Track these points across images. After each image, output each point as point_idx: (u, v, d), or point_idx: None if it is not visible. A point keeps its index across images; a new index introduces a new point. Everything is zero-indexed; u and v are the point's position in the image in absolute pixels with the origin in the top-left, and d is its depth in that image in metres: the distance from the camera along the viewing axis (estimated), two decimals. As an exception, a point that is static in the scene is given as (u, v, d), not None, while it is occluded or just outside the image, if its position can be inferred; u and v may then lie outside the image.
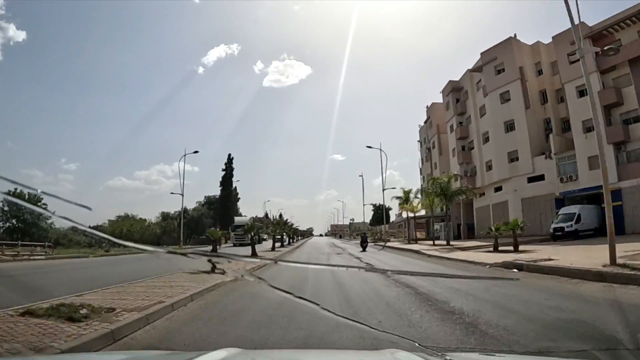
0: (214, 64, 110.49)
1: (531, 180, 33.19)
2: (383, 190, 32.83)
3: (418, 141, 58.66)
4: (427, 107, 51.35)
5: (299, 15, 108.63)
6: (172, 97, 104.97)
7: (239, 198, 58.22)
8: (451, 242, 26.69)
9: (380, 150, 34.36)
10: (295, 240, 50.90)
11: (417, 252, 21.41)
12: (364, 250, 24.95)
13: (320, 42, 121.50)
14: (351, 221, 59.16)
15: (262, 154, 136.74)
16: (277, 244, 31.07)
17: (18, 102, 74.89)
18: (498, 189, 36.45)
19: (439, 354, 1.67)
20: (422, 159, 56.46)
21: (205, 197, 55.34)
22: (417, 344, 2.84)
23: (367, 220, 58.26)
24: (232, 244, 33.13)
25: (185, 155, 36.58)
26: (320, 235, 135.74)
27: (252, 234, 17.61)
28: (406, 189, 34.04)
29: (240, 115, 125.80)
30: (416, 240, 32.29)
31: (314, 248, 30.44)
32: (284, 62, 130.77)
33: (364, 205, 48.58)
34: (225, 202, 51.03)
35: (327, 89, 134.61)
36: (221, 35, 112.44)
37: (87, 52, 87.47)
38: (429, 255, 18.91)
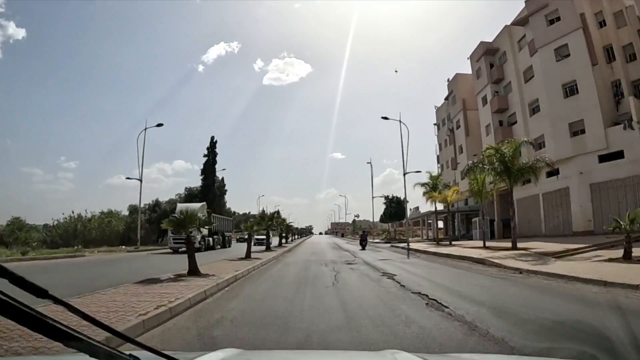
0: (214, 62, 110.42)
1: (604, 158, 24.68)
2: (404, 174, 24.57)
3: (434, 124, 50.19)
4: (448, 80, 42.86)
5: (299, 14, 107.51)
6: (172, 95, 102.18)
7: (226, 190, 49.77)
8: (488, 244, 18.33)
9: (400, 122, 25.97)
10: (289, 240, 42.44)
11: (481, 262, 13.01)
12: (363, 249, 23.93)
13: (320, 40, 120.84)
14: (356, 217, 50.98)
15: (262, 152, 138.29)
16: (260, 247, 22.62)
17: (18, 100, 72.65)
18: (552, 172, 27.93)
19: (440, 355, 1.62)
20: (439, 145, 47.97)
21: (185, 188, 46.84)
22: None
23: (377, 216, 49.87)
24: (169, 249, 21.69)
25: (145, 129, 28.29)
26: (320, 233, 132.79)
27: (192, 232, 9.11)
28: (433, 173, 25.70)
29: (240, 113, 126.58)
30: (451, 242, 23.80)
31: (311, 253, 21.98)
32: (284, 60, 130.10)
33: (372, 198, 40.52)
34: (207, 193, 42.50)
35: (328, 87, 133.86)
36: (221, 33, 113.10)
37: (87, 50, 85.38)
38: (520, 271, 10.48)
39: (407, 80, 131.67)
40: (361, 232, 31.34)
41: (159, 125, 28.54)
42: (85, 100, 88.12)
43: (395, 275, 10.20)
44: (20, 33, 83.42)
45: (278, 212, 35.64)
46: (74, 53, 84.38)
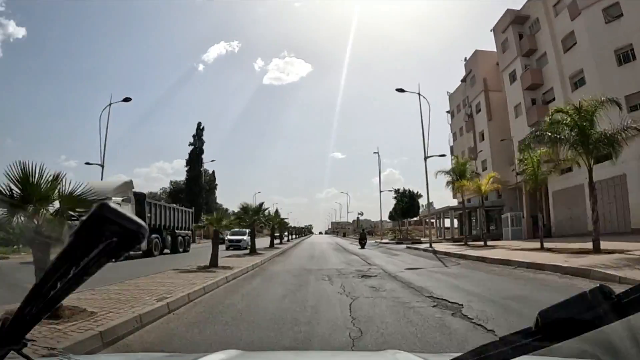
0: (214, 61, 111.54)
1: (674, 138, 19.82)
2: (425, 158, 19.82)
3: (447, 112, 45.42)
4: (465, 59, 38.01)
5: (300, 13, 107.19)
6: (172, 94, 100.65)
7: (217, 185, 44.81)
8: (545, 245, 13.50)
9: (419, 94, 21.24)
10: (286, 240, 37.62)
11: (583, 274, 8.25)
12: (362, 247, 23.72)
13: (321, 39, 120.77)
14: (359, 215, 46.21)
15: (262, 151, 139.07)
16: (239, 252, 17.79)
17: (18, 99, 72.48)
18: (602, 157, 23.06)
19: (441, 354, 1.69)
20: (454, 134, 43.17)
21: (171, 182, 42.13)
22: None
23: (384, 213, 45.12)
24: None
25: (110, 104, 23.54)
26: (320, 233, 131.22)
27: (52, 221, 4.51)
28: (461, 159, 20.94)
29: (240, 113, 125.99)
30: (486, 242, 18.95)
31: (310, 258, 17.27)
32: (284, 59, 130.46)
33: (380, 192, 35.63)
34: (192, 186, 37.55)
35: (328, 87, 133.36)
36: (222, 32, 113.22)
37: (87, 49, 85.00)
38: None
39: (409, 79, 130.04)
40: (361, 231, 31.66)
41: (126, 100, 23.70)
42: (85, 99, 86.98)
43: (461, 306, 5.37)
44: (20, 32, 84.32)
45: (277, 211, 30.84)
46: (74, 52, 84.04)
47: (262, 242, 26.27)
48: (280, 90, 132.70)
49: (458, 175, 20.19)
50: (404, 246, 24.43)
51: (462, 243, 20.75)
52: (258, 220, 16.93)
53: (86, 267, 0.48)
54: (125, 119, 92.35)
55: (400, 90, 21.13)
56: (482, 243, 21.44)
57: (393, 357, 1.44)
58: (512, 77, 29.68)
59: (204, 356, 1.31)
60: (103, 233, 0.45)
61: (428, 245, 20.07)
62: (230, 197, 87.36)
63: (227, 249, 19.68)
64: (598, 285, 0.53)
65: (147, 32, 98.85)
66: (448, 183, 20.89)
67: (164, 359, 1.76)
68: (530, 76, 27.37)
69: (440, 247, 19.48)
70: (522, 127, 28.31)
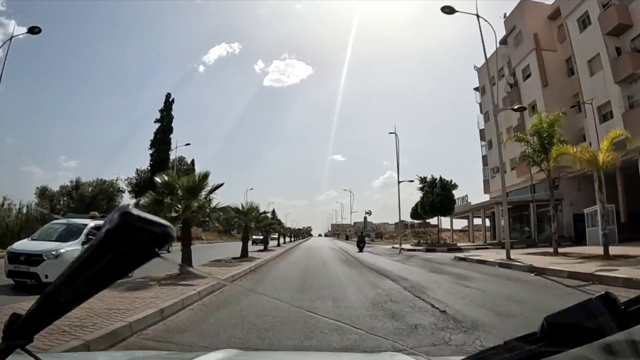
0: (215, 63, 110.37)
1: None
2: (495, 115, 11.91)
3: (475, 89, 37.72)
4: (504, 15, 30.14)
5: (301, 15, 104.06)
6: (173, 94, 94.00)
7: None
8: None
9: (477, 16, 13.63)
10: (276, 244, 29.82)
11: None
12: (360, 250, 23.67)
13: (321, 41, 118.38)
14: (367, 215, 38.45)
15: (261, 153, 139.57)
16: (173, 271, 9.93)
17: (18, 99, 69.38)
18: None
19: (439, 356, 1.49)
20: (485, 114, 35.35)
21: (137, 170, 34.04)
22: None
23: (386, 213, 37.20)
24: None
25: (11, 38, 16.40)
26: (320, 235, 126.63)
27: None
28: (544, 115, 13.10)
29: (240, 114, 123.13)
30: (606, 251, 11.00)
31: (299, 288, 9.23)
32: (284, 61, 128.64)
33: (398, 182, 27.83)
34: (156, 173, 29.88)
35: (328, 89, 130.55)
36: (222, 33, 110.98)
37: (87, 50, 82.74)
38: None
39: (409, 80, 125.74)
40: (359, 234, 30.79)
41: (32, 30, 15.95)
42: (86, 100, 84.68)
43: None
44: (21, 32, 77.23)
45: (274, 212, 23.16)
46: (75, 52, 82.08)
47: (234, 248, 17.84)
48: (280, 92, 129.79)
49: (546, 141, 12.39)
50: (447, 256, 16.45)
51: (553, 252, 12.82)
52: (202, 212, 8.95)
53: (102, 279, 0.45)
54: (126, 118, 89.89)
55: (449, 10, 13.45)
56: (574, 250, 13.63)
57: (391, 358, 1.42)
58: (583, 22, 21.82)
59: (203, 355, 1.27)
60: (125, 242, 0.41)
61: (504, 257, 12.06)
62: (229, 198, 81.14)
63: (8, 276, 7.32)
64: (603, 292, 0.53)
65: (147, 33, 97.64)
66: (524, 157, 13.05)
67: (162, 357, 1.63)
68: (615, 14, 19.47)
69: (524, 257, 11.59)
70: (602, 86, 20.51)
